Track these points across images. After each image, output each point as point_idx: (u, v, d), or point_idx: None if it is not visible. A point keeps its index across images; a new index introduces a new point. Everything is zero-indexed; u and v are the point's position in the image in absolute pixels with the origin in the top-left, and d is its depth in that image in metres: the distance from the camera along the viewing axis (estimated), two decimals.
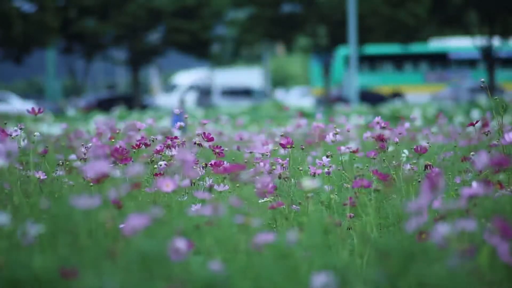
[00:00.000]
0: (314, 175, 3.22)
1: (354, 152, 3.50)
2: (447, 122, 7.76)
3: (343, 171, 3.48)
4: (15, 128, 3.29)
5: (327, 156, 3.40)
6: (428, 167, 3.24)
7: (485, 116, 3.57)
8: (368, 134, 3.52)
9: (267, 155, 3.34)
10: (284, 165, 3.26)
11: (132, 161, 2.93)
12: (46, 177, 3.16)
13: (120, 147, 3.21)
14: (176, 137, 3.35)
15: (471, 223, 1.96)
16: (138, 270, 1.84)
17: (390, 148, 3.59)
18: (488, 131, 3.67)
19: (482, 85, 3.31)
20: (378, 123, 3.44)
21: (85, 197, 1.99)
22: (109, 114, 16.16)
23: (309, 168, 3.33)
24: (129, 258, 1.84)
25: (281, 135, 3.31)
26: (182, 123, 3.58)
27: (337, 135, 3.47)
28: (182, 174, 2.60)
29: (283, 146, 3.25)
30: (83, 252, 1.96)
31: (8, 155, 2.26)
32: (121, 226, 2.22)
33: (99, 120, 8.73)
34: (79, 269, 1.84)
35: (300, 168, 3.47)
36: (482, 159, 2.19)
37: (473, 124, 3.43)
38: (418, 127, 6.00)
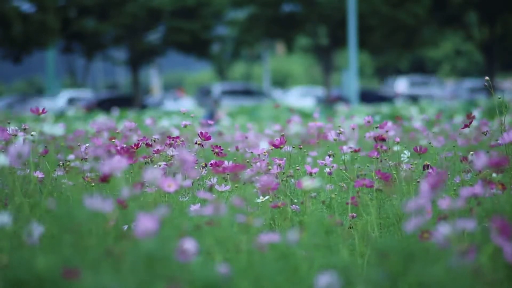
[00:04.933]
0: (310, 174, 3.22)
1: (355, 151, 3.49)
2: (447, 122, 7.77)
3: (344, 171, 3.48)
4: (16, 128, 3.29)
5: (329, 156, 3.40)
6: (427, 167, 3.24)
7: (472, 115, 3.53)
8: (370, 133, 3.51)
9: (264, 155, 3.34)
10: (281, 165, 3.26)
11: (133, 161, 2.93)
12: (44, 176, 3.16)
13: (134, 145, 3.22)
14: (178, 137, 3.35)
15: (471, 223, 1.96)
16: (141, 271, 1.84)
17: (391, 148, 3.60)
18: (487, 131, 3.66)
19: (485, 84, 3.26)
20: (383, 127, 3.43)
21: (98, 199, 1.99)
22: (109, 114, 16.16)
23: (306, 168, 3.33)
24: (132, 259, 1.84)
25: (282, 135, 3.31)
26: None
27: (340, 134, 3.46)
28: (183, 174, 2.60)
29: (275, 146, 3.25)
30: (85, 252, 1.97)
31: (19, 157, 2.26)
32: (124, 226, 2.22)
33: (99, 120, 8.71)
34: (82, 270, 1.84)
35: (298, 168, 3.48)
36: (481, 159, 2.19)
37: (467, 126, 3.40)
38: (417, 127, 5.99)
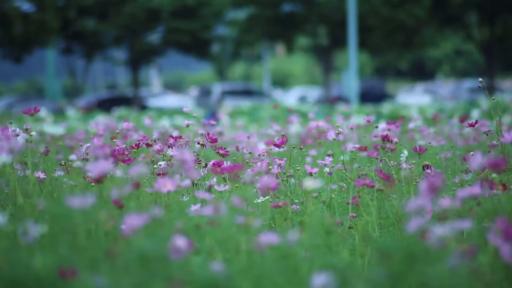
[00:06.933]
0: (310, 174, 3.22)
1: (360, 149, 3.49)
2: (446, 122, 7.77)
3: (344, 171, 3.48)
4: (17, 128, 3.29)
5: (329, 156, 3.39)
6: (427, 167, 3.24)
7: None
8: (374, 134, 3.51)
9: (264, 155, 3.34)
10: (281, 165, 3.26)
11: (133, 160, 2.94)
12: (45, 176, 3.16)
13: (125, 146, 3.21)
14: (180, 137, 3.35)
15: (467, 223, 1.96)
16: (138, 270, 1.83)
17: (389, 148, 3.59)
18: (489, 131, 3.67)
19: (479, 85, 3.27)
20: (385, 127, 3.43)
21: (79, 197, 1.99)
22: (110, 114, 16.16)
23: (306, 168, 3.32)
24: (129, 258, 1.84)
25: (283, 135, 3.30)
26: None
27: (339, 134, 3.46)
28: (183, 174, 2.60)
29: (277, 146, 3.25)
30: (82, 252, 1.96)
31: (11, 151, 2.26)
32: (122, 226, 2.22)
33: (100, 120, 8.71)
34: (79, 269, 1.84)
35: (298, 168, 3.47)
36: (477, 159, 2.20)
37: (472, 125, 3.42)
38: (417, 127, 5.99)
